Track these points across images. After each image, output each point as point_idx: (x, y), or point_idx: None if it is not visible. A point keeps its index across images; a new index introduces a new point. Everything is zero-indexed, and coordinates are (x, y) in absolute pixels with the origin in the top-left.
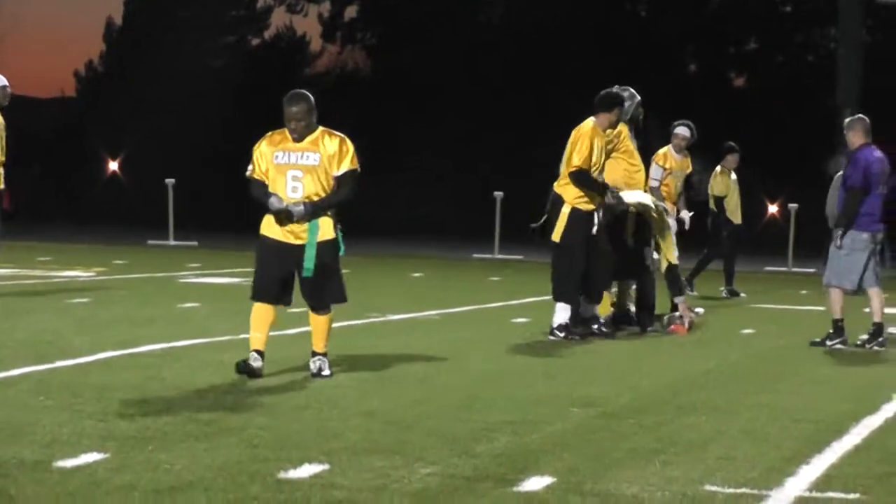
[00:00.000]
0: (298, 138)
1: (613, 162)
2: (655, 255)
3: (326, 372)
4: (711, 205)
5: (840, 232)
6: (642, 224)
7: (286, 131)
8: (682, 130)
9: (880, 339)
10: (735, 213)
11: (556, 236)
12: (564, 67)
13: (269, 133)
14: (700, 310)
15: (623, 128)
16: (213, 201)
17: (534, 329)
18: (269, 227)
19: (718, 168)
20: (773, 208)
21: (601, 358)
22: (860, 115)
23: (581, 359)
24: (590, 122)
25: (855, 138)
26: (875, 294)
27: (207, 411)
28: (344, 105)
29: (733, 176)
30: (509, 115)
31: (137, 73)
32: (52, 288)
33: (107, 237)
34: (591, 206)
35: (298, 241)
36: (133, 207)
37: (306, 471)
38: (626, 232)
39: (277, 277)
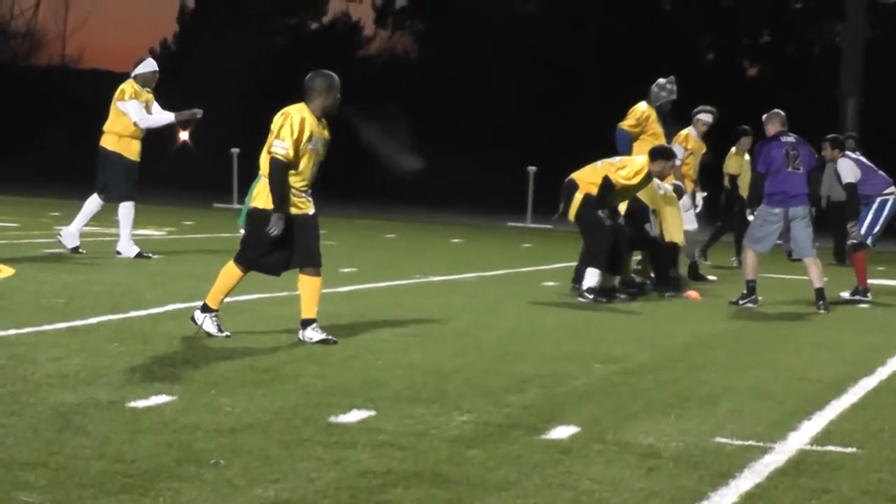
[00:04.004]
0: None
1: (642, 143)
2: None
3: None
4: (726, 182)
5: (748, 210)
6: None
7: (309, 109)
8: (705, 117)
9: (820, 303)
10: (747, 191)
11: (572, 216)
12: (595, 55)
13: (300, 107)
14: (712, 277)
15: (652, 112)
16: None
17: (562, 291)
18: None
19: (733, 149)
20: None
21: (623, 320)
22: (777, 110)
23: (605, 320)
24: (646, 164)
25: (771, 128)
26: (810, 263)
27: (265, 360)
28: (392, 84)
29: (746, 157)
30: (543, 98)
31: (207, 52)
32: None
33: (177, 200)
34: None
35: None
36: (201, 174)
37: (354, 416)
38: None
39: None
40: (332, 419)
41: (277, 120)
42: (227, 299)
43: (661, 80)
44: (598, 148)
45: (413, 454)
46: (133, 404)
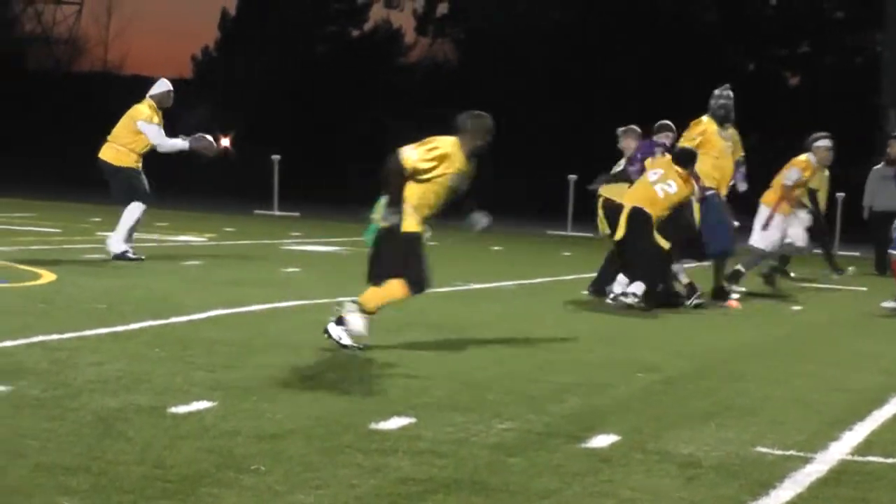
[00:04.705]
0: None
1: (702, 156)
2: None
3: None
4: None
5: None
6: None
7: (459, 145)
8: (826, 143)
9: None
10: (821, 205)
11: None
12: (637, 64)
13: (454, 141)
14: (737, 295)
15: (711, 124)
16: (313, 175)
17: (602, 300)
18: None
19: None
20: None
21: (663, 328)
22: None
23: (645, 329)
24: (685, 172)
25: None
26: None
27: (306, 366)
28: (433, 92)
29: (826, 172)
30: (584, 107)
31: (248, 59)
32: (167, 251)
33: (217, 206)
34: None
35: None
36: (241, 180)
37: (395, 423)
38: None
39: None
40: (373, 426)
41: (429, 141)
42: (264, 306)
43: (716, 90)
44: None
45: (453, 462)
46: (174, 410)
